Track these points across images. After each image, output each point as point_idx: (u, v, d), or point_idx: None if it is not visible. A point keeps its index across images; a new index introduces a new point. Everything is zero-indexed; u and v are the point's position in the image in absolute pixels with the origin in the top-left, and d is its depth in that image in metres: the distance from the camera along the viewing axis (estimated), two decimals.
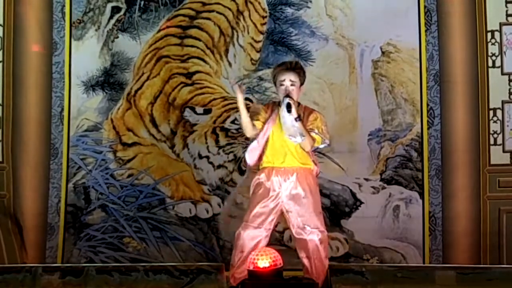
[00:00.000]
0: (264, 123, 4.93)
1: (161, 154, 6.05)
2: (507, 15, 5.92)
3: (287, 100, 4.77)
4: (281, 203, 4.88)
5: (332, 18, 6.04)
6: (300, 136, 4.80)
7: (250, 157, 5.00)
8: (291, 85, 4.88)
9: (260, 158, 4.98)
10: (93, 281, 4.18)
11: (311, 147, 4.89)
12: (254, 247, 4.79)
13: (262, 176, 4.92)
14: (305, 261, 4.85)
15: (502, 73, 5.91)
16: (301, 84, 4.95)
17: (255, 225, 4.85)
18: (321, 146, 4.97)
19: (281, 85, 4.90)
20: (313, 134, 4.86)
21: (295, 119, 4.77)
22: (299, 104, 4.96)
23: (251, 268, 4.57)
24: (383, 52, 6.03)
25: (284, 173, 4.88)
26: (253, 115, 4.96)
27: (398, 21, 6.02)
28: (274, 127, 4.91)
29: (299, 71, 4.95)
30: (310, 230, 4.83)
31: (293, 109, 4.76)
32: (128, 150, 6.07)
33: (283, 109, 4.78)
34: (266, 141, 4.93)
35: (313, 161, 4.95)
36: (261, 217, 4.86)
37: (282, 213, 4.94)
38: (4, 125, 5.85)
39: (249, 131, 4.94)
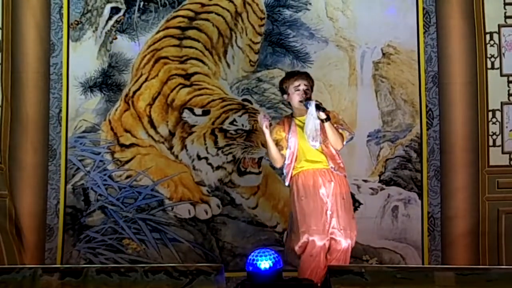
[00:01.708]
0: (287, 141, 4.98)
1: (159, 155, 6.04)
2: (506, 17, 5.94)
3: (314, 102, 4.84)
4: (325, 203, 4.88)
5: (333, 20, 6.06)
6: (319, 142, 4.86)
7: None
8: (307, 89, 4.96)
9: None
10: (92, 282, 4.16)
11: (341, 144, 4.93)
12: (325, 251, 4.82)
13: (306, 180, 4.91)
14: (331, 261, 4.83)
15: (501, 75, 5.93)
16: (312, 90, 5.05)
17: (317, 229, 4.82)
18: (347, 139, 5.03)
19: (297, 90, 4.97)
20: (340, 130, 4.93)
21: (324, 120, 4.82)
22: None
23: (250, 269, 4.58)
24: (383, 54, 6.05)
25: (326, 174, 4.92)
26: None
27: (397, 22, 6.05)
28: (299, 136, 4.95)
29: (309, 77, 5.06)
30: (345, 233, 4.83)
31: (321, 111, 4.81)
32: (126, 151, 6.06)
33: (311, 112, 4.82)
34: (296, 152, 4.95)
35: (342, 161, 5.00)
36: (320, 218, 4.84)
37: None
38: (2, 126, 5.83)
39: (279, 163, 5.01)
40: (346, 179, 5.00)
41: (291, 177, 4.98)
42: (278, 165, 5.04)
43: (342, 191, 4.92)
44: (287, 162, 4.99)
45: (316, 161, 4.94)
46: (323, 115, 4.82)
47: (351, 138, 5.08)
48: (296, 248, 4.88)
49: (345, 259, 4.86)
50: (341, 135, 4.93)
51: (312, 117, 4.83)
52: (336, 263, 4.80)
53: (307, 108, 4.86)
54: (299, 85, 4.98)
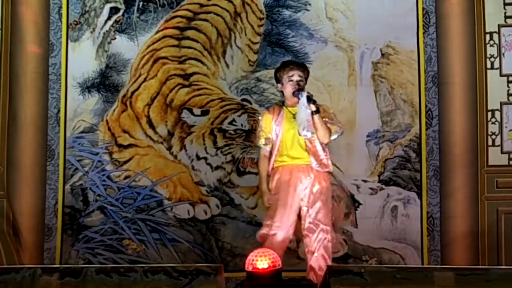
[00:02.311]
0: (271, 132, 5.02)
1: (158, 156, 6.04)
2: (506, 17, 5.95)
3: (305, 93, 4.85)
4: (301, 199, 4.91)
5: (332, 20, 6.07)
6: (311, 132, 4.85)
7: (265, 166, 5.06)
8: (300, 80, 4.96)
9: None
10: (92, 282, 4.14)
11: (329, 139, 4.94)
12: (285, 247, 4.85)
13: (283, 175, 4.95)
14: (312, 258, 4.87)
15: (501, 75, 5.95)
16: (306, 82, 5.04)
17: (280, 225, 4.86)
18: (335, 136, 5.02)
19: (290, 80, 4.98)
20: (328, 125, 4.93)
21: (314, 112, 4.82)
22: None
23: (249, 269, 4.57)
24: (382, 54, 6.06)
25: (305, 170, 4.93)
26: (261, 135, 5.06)
27: (397, 23, 6.05)
28: (284, 127, 4.97)
29: (305, 69, 5.08)
30: (322, 228, 4.87)
31: (311, 103, 4.82)
32: (124, 151, 6.05)
33: (302, 102, 4.82)
34: (279, 142, 4.98)
35: (327, 158, 4.99)
36: (287, 215, 4.88)
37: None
38: (0, 126, 5.83)
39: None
40: (327, 175, 5.01)
41: (272, 168, 5.02)
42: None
43: (322, 186, 4.93)
44: (272, 154, 5.03)
45: (297, 158, 4.96)
46: (313, 107, 4.84)
47: (342, 133, 5.09)
48: (257, 236, 4.97)
49: (327, 254, 4.87)
50: (329, 129, 4.94)
51: (303, 107, 4.84)
52: (316, 259, 4.84)
53: (299, 98, 4.89)
54: (292, 75, 4.99)
